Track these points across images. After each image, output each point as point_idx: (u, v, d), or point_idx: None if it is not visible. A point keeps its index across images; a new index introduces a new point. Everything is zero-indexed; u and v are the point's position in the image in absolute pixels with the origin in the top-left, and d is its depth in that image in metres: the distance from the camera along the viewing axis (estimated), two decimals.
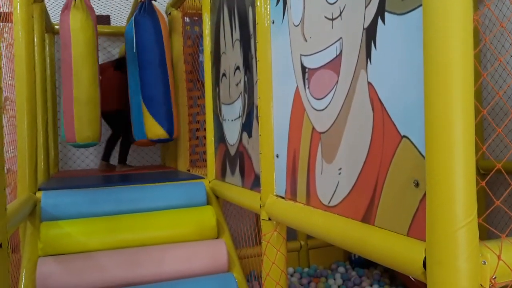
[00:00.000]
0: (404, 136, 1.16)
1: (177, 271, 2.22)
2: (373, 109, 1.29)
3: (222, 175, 2.74)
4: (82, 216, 2.39)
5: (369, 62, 1.30)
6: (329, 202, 1.53)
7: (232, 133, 2.53)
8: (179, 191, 2.63)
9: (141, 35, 3.27)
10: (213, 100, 2.87)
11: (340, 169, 1.47)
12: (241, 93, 2.38)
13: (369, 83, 1.30)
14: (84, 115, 2.92)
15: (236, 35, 2.42)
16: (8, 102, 2.47)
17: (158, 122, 3.34)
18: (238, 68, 2.41)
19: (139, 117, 3.30)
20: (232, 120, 2.53)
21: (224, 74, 2.65)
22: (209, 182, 2.88)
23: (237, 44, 2.41)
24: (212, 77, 2.87)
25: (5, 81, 2.48)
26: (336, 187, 1.48)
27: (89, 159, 4.49)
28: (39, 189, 2.60)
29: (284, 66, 1.84)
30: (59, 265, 2.11)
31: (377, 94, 1.27)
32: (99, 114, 3.10)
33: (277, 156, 1.93)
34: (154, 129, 3.28)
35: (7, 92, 2.49)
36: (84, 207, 2.42)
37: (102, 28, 4.28)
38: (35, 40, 3.35)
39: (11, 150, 2.46)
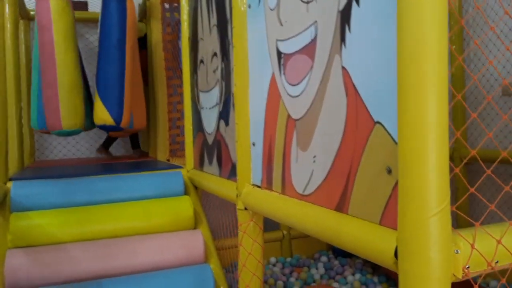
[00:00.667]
0: (377, 122, 1.12)
1: (151, 262, 2.17)
2: (347, 95, 1.24)
3: (200, 164, 2.69)
4: (54, 207, 2.32)
5: (343, 46, 1.26)
6: (304, 191, 1.49)
7: (210, 121, 2.48)
8: (155, 181, 2.57)
9: (104, 16, 3.14)
10: (191, 88, 2.81)
11: (314, 156, 1.42)
12: (218, 80, 2.32)
13: (343, 67, 1.26)
14: (70, 101, 2.80)
15: (213, 20, 2.35)
16: None
17: (105, 106, 3.11)
18: (215, 54, 2.35)
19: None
20: (209, 108, 2.47)
21: (201, 61, 2.59)
22: (187, 171, 2.83)
23: (214, 30, 2.34)
24: (190, 64, 2.80)
25: None
26: (311, 175, 1.44)
27: (66, 149, 4.39)
28: (10, 179, 2.52)
29: (260, 51, 1.78)
30: (29, 257, 2.04)
31: (351, 79, 1.22)
32: (83, 101, 2.98)
33: (254, 144, 1.89)
34: (100, 113, 3.07)
35: None
36: (56, 197, 2.34)
37: (79, 14, 4.17)
38: (8, 26, 3.25)
39: None
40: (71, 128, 2.84)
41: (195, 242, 2.28)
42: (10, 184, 2.41)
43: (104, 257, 2.12)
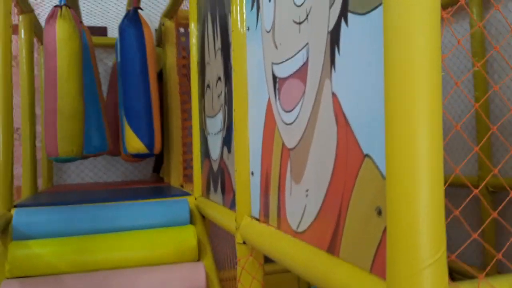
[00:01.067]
0: (367, 155, 0.99)
1: None
2: (337, 123, 1.12)
3: (207, 192, 2.59)
4: (55, 235, 2.26)
5: (333, 69, 1.14)
6: (297, 228, 1.37)
7: (215, 147, 2.38)
8: (160, 209, 2.49)
9: (124, 45, 3.16)
10: (199, 113, 2.74)
11: (307, 190, 1.30)
12: (222, 105, 2.24)
13: (333, 93, 1.14)
14: (67, 129, 2.80)
15: (218, 43, 2.28)
16: None
17: (137, 135, 3.18)
18: (219, 78, 2.27)
19: (122, 131, 3.18)
20: (214, 134, 2.39)
21: (208, 86, 2.52)
22: (195, 199, 2.73)
23: (219, 54, 2.27)
24: (198, 88, 2.74)
25: None
26: (304, 210, 1.32)
27: (84, 173, 4.39)
28: (15, 206, 2.48)
29: (258, 75, 1.69)
30: None
31: (340, 106, 1.11)
32: (83, 129, 2.98)
33: (252, 174, 1.78)
34: (133, 142, 3.13)
35: None
36: (57, 225, 2.29)
37: (98, 40, 4.22)
38: (23, 51, 3.30)
39: None
40: (67, 156, 2.82)
41: (196, 276, 2.17)
42: (13, 211, 2.37)
43: None
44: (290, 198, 1.42)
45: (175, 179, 3.61)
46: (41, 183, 4.13)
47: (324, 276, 1.12)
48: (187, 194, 2.85)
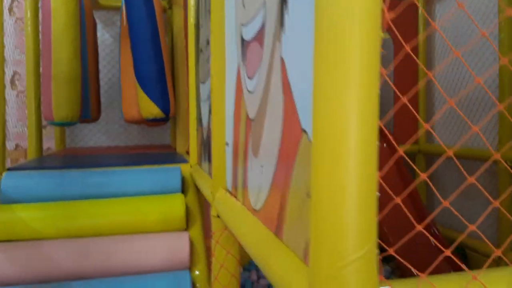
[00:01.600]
0: (304, 130, 0.87)
1: (130, 265, 2.04)
2: (283, 93, 0.99)
3: (200, 160, 2.51)
4: (43, 200, 2.24)
5: (282, 31, 1.00)
6: (255, 205, 1.26)
7: (205, 114, 2.28)
8: (151, 176, 2.43)
9: (131, 9, 3.06)
10: (195, 78, 2.62)
11: (262, 166, 1.19)
12: (209, 70, 2.11)
13: (281, 58, 1.00)
14: (62, 94, 2.75)
15: (208, 4, 2.14)
16: None
17: (152, 100, 3.16)
18: (208, 42, 2.14)
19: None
20: (204, 101, 2.28)
21: (201, 49, 2.39)
22: (191, 167, 2.66)
23: (208, 15, 2.13)
24: (194, 52, 2.61)
25: None
26: (260, 186, 1.21)
27: (97, 137, 4.39)
28: (10, 169, 2.49)
29: (232, 38, 1.55)
30: (5, 254, 1.97)
31: (286, 74, 0.97)
32: (80, 94, 2.93)
33: (227, 144, 1.67)
34: (149, 107, 3.08)
35: None
36: (45, 191, 2.27)
37: (110, 2, 4.14)
38: (28, 12, 3.24)
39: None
40: (63, 120, 2.78)
41: (179, 246, 2.12)
42: (3, 175, 2.37)
43: (79, 257, 2.01)
44: (250, 173, 1.31)
45: (181, 145, 3.55)
46: (53, 145, 4.18)
47: (265, 261, 1.02)
48: (184, 161, 2.78)
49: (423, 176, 0.76)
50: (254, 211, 1.27)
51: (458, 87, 2.88)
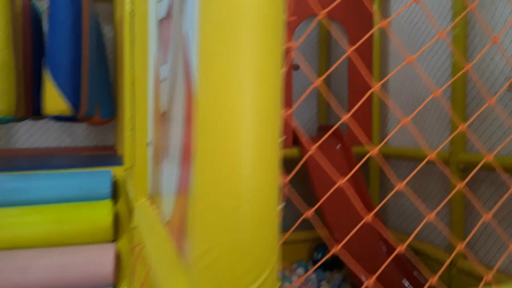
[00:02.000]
0: None
1: (45, 284, 1.77)
2: (184, 77, 0.79)
3: None
4: None
5: (184, 8, 0.80)
6: (165, 216, 1.05)
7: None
8: (76, 181, 2.17)
9: None
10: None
11: (171, 168, 0.98)
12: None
13: (184, 35, 0.80)
14: None
15: None
16: None
17: (61, 94, 2.66)
18: None
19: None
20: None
21: None
22: (125, 170, 2.41)
23: None
24: (130, 44, 2.38)
25: None
26: (169, 193, 1.00)
27: (34, 138, 4.06)
28: None
29: (152, 20, 1.34)
30: None
31: (188, 55, 0.77)
32: (14, 83, 2.59)
33: (149, 144, 1.45)
34: (54, 102, 2.64)
35: None
36: None
37: None
38: None
39: None
40: None
41: (104, 260, 1.87)
42: None
43: None
44: (162, 177, 1.10)
45: (121, 146, 3.29)
46: None
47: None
48: (120, 164, 2.53)
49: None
50: (165, 223, 1.06)
51: (413, 84, 2.77)
